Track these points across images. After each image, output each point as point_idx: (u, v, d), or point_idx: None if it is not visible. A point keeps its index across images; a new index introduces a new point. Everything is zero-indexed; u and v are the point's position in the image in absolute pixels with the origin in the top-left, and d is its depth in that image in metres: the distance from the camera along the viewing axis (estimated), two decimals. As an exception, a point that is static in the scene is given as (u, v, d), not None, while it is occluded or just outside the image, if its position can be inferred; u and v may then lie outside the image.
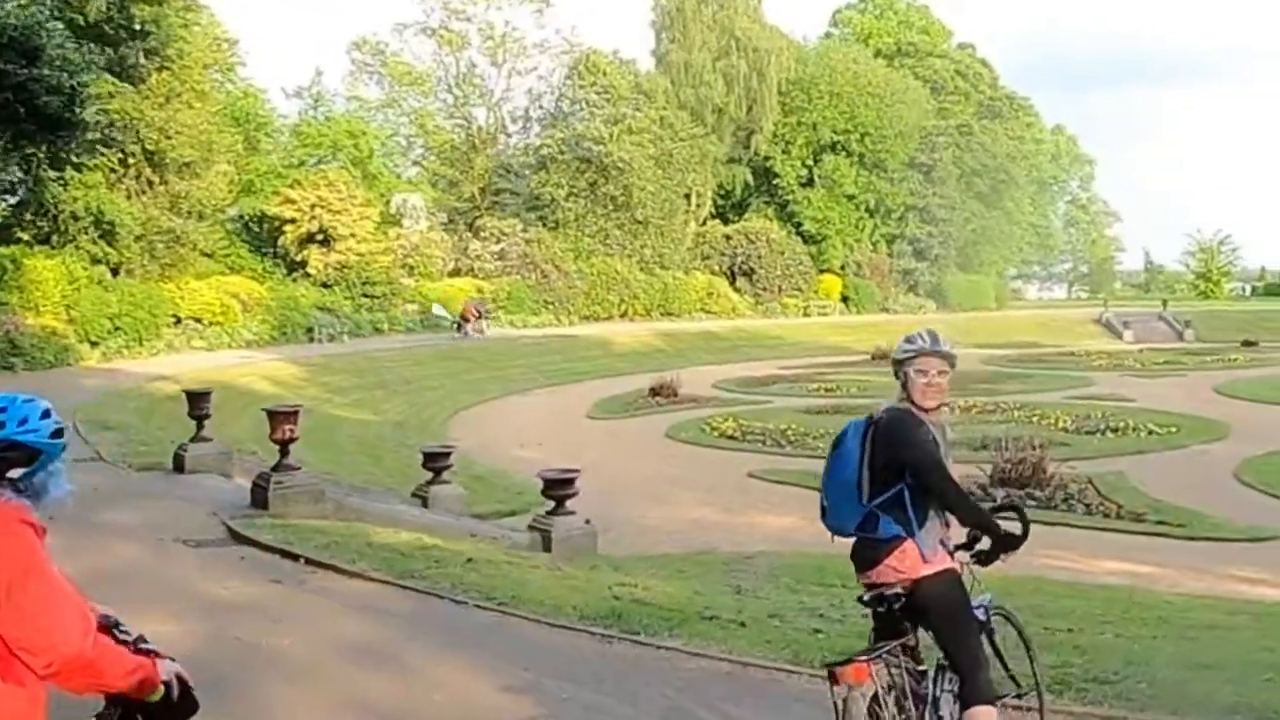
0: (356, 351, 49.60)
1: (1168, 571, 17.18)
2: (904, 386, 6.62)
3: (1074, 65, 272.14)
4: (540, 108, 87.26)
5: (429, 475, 20.65)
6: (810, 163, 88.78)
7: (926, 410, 6.54)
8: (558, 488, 16.95)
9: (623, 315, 72.69)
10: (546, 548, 16.41)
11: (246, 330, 49.81)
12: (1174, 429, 32.24)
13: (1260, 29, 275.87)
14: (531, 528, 17.24)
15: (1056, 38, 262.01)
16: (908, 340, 6.70)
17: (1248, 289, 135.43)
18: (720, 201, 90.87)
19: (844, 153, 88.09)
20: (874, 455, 6.47)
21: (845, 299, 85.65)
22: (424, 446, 22.17)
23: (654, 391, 41.96)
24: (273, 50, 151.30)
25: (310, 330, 53.31)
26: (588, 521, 17.13)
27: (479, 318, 65.83)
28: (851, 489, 6.52)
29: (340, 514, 16.94)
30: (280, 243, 59.73)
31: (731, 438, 32.06)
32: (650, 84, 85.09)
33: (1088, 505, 21.70)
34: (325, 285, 58.40)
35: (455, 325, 62.93)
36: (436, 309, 66.66)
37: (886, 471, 6.39)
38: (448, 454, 21.43)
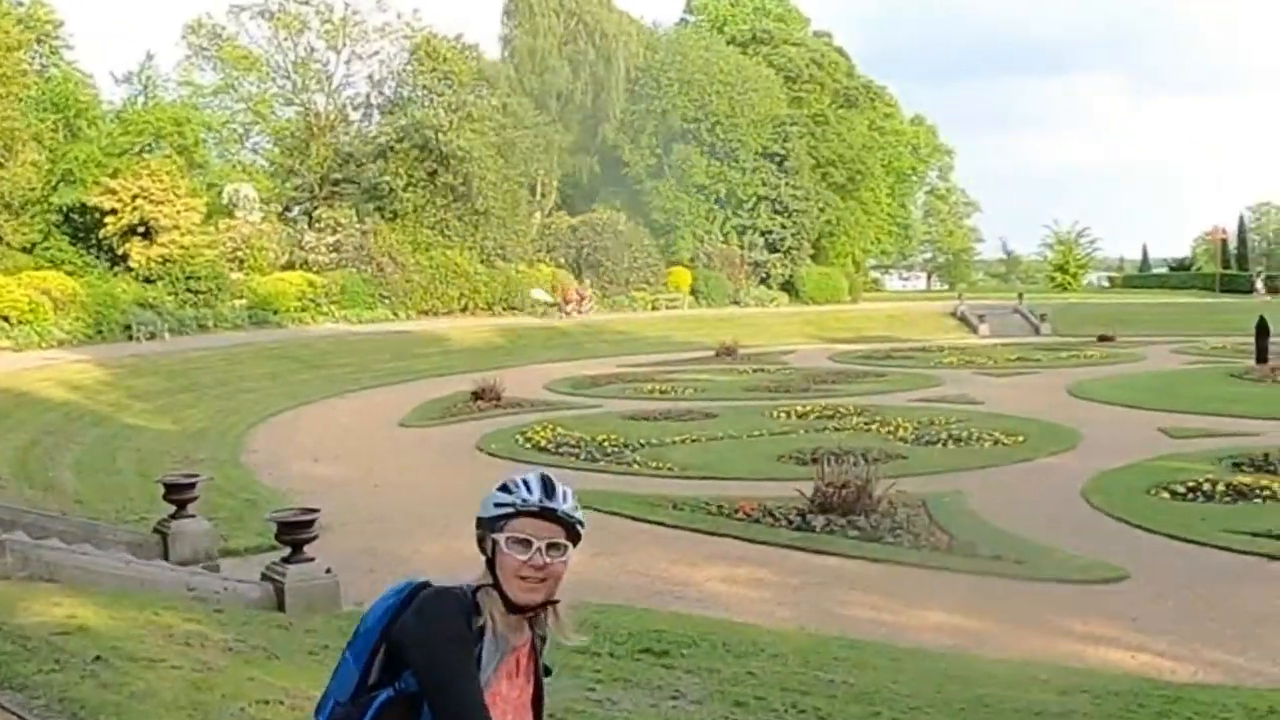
0: (175, 351, 46.61)
1: (1000, 626, 14.90)
2: (489, 564, 3.88)
3: (934, 55, 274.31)
4: (381, 94, 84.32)
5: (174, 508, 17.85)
6: (660, 152, 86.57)
7: (520, 608, 3.83)
8: (293, 531, 14.52)
9: (463, 310, 69.72)
10: (280, 603, 13.95)
11: (58, 329, 46.49)
12: (1021, 438, 30.12)
13: (1119, 18, 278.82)
14: (265, 577, 14.73)
15: (918, 27, 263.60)
16: (503, 489, 3.88)
17: (1106, 281, 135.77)
18: (567, 192, 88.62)
19: (695, 142, 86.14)
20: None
21: (695, 292, 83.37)
22: (166, 476, 19.33)
23: (476, 395, 39.16)
24: (106, 33, 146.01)
25: (129, 328, 50.12)
26: (329, 571, 14.64)
27: (580, 300, 73.45)
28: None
29: (25, 570, 14.17)
30: (101, 235, 56.42)
31: (544, 449, 29.47)
32: (494, 70, 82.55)
33: (917, 535, 19.24)
34: (148, 280, 55.13)
35: (556, 307, 69.17)
36: (536, 292, 72.13)
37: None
38: (191, 484, 18.65)
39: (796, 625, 14.82)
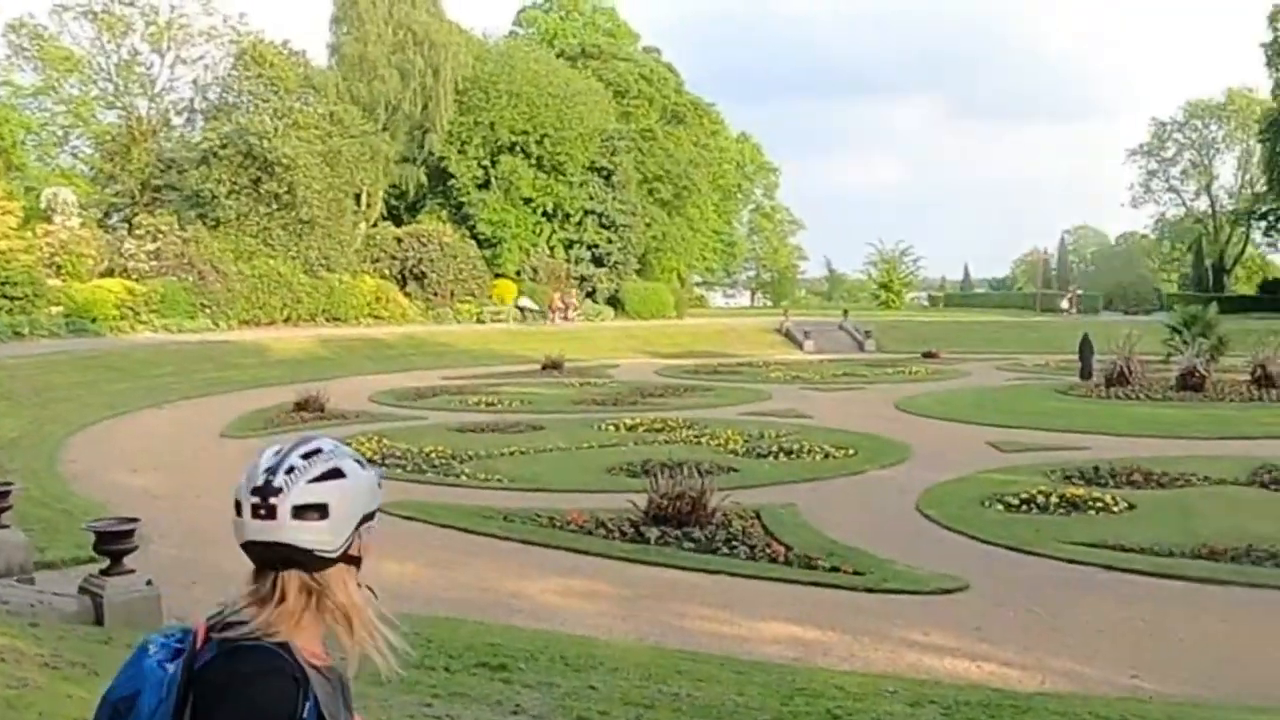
0: (-14, 358, 45.10)
1: (842, 638, 14.54)
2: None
3: (762, 75, 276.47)
4: (206, 100, 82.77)
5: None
6: (487, 164, 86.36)
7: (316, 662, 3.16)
8: (112, 541, 13.78)
9: (286, 320, 68.75)
10: (98, 616, 13.29)
11: None
12: (852, 451, 30.02)
13: (940, 44, 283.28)
14: (83, 590, 14.01)
15: (745, 47, 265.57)
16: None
17: (928, 300, 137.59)
18: (393, 202, 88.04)
19: (522, 154, 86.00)
20: None
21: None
22: (-22, 486, 18.52)
23: (299, 406, 38.29)
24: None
25: (-62, 337, 48.63)
26: (149, 583, 13.97)
27: (565, 309, 77.33)
28: None
29: None
30: (-87, 240, 54.74)
31: (370, 461, 28.56)
32: (321, 78, 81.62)
33: (752, 547, 18.87)
34: (-39, 287, 53.54)
35: (542, 314, 73.70)
36: (522, 301, 75.99)
37: None
38: (5, 493, 17.87)
39: (635, 638, 14.42)
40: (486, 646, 12.74)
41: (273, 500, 3.07)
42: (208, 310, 64.80)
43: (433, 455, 28.87)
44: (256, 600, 3.11)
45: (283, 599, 3.10)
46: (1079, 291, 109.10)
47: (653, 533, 19.46)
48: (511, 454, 29.73)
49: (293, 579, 3.10)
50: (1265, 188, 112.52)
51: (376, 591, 3.29)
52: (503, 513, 21.83)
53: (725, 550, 18.76)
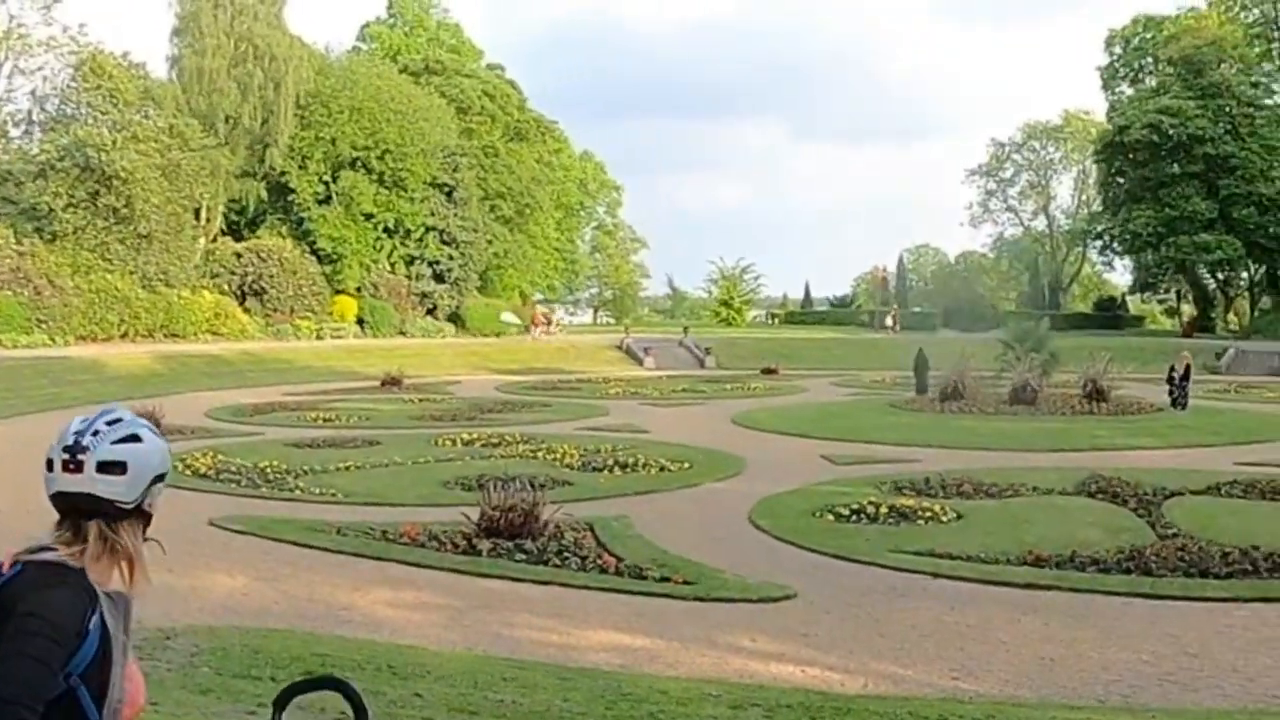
0: None
1: (669, 645, 14.61)
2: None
3: (606, 93, 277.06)
4: (44, 111, 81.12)
5: None
6: (328, 179, 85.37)
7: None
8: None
9: (123, 336, 67.42)
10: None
11: None
12: (687, 464, 30.29)
13: (779, 66, 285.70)
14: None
15: (589, 65, 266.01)
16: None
17: (770, 317, 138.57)
18: (233, 217, 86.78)
19: (364, 170, 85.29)
20: None
21: (361, 321, 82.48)
22: None
23: (134, 421, 37.86)
24: None
25: None
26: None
27: (547, 324, 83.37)
28: None
29: None
30: None
31: (205, 476, 28.39)
32: (161, 90, 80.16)
33: (584, 559, 18.90)
34: None
35: (525, 329, 78.20)
36: (506, 316, 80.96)
37: None
38: None
39: (464, 647, 14.38)
40: (314, 657, 12.65)
41: (80, 456, 3.59)
42: (44, 325, 63.47)
43: (268, 470, 28.46)
44: (61, 542, 3.60)
45: (84, 541, 3.60)
46: (897, 309, 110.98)
47: (485, 545, 19.36)
48: (348, 469, 29.49)
49: (93, 526, 3.61)
50: (1100, 208, 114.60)
51: (165, 547, 3.88)
52: (336, 526, 21.60)
53: (557, 562, 18.75)
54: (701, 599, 16.94)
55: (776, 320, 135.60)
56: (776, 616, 16.19)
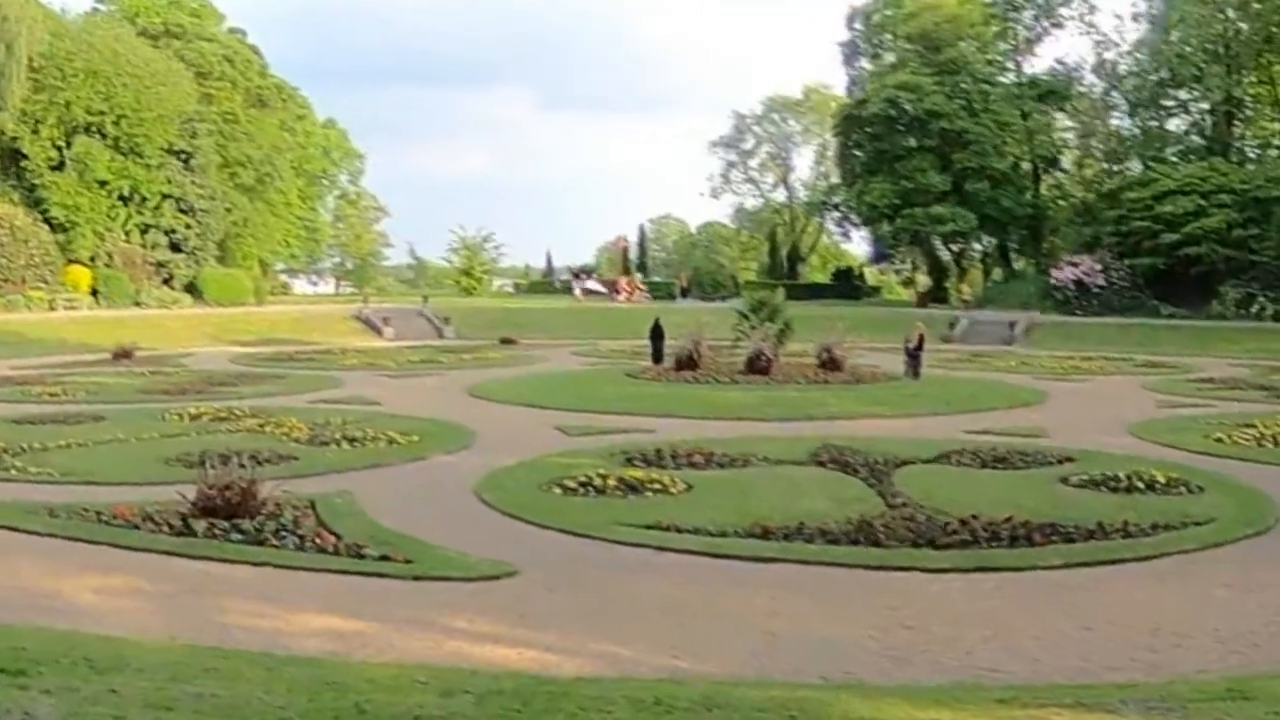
0: None
1: (383, 628, 14.11)
2: None
3: (350, 60, 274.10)
4: None
5: None
6: (62, 144, 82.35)
7: None
8: None
9: None
10: None
11: None
12: (416, 437, 29.70)
13: (527, 35, 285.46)
14: None
15: (334, 31, 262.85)
16: None
17: (513, 287, 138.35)
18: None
19: (99, 135, 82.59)
20: None
21: (95, 292, 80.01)
22: None
23: None
24: None
25: None
26: None
27: (631, 291, 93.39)
28: None
29: None
30: None
31: (-86, 457, 27.11)
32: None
33: (302, 538, 18.24)
34: None
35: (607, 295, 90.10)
36: (590, 284, 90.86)
37: None
38: None
39: (169, 636, 13.72)
40: (8, 651, 11.92)
41: None
42: None
43: (-21, 450, 27.30)
44: None
45: None
46: (590, 277, 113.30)
47: (200, 526, 18.66)
48: (68, 446, 28.27)
49: None
50: (838, 180, 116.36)
51: None
52: (49, 508, 20.57)
53: (274, 542, 18.08)
54: (420, 578, 16.48)
55: (519, 289, 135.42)
56: (496, 595, 15.81)
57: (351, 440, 28.91)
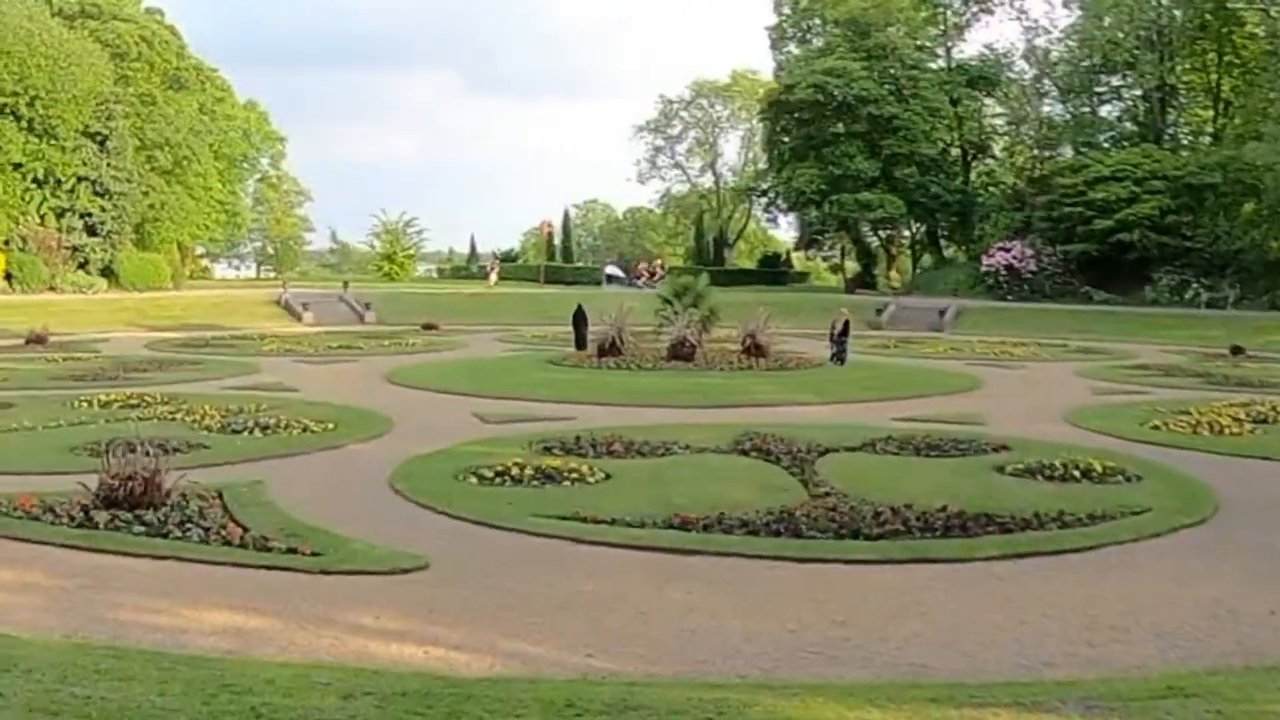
0: None
1: (286, 625, 13.54)
2: None
3: (272, 41, 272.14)
4: None
5: None
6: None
7: None
8: None
9: None
10: None
11: None
12: (332, 425, 28.98)
13: (462, 19, 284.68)
14: None
15: (256, 11, 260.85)
16: None
17: (438, 271, 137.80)
18: None
19: (12, 117, 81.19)
20: None
21: (9, 276, 78.74)
22: None
23: None
24: None
25: None
26: None
27: (652, 275, 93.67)
28: None
29: None
30: None
31: None
32: None
33: (207, 530, 17.55)
34: None
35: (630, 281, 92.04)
36: (610, 269, 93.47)
37: None
38: None
39: (62, 634, 13.10)
40: (-105, 657, 11.33)
41: None
42: None
43: (-116, 441, 26.48)
44: None
45: None
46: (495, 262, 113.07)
47: (103, 517, 17.96)
48: (-28, 435, 27.56)
49: None
50: (765, 165, 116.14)
51: None
52: (-52, 500, 19.93)
53: (178, 534, 17.40)
54: (327, 572, 15.88)
55: (442, 274, 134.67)
56: (405, 589, 15.29)
57: (265, 428, 28.16)
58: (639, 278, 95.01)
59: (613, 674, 11.93)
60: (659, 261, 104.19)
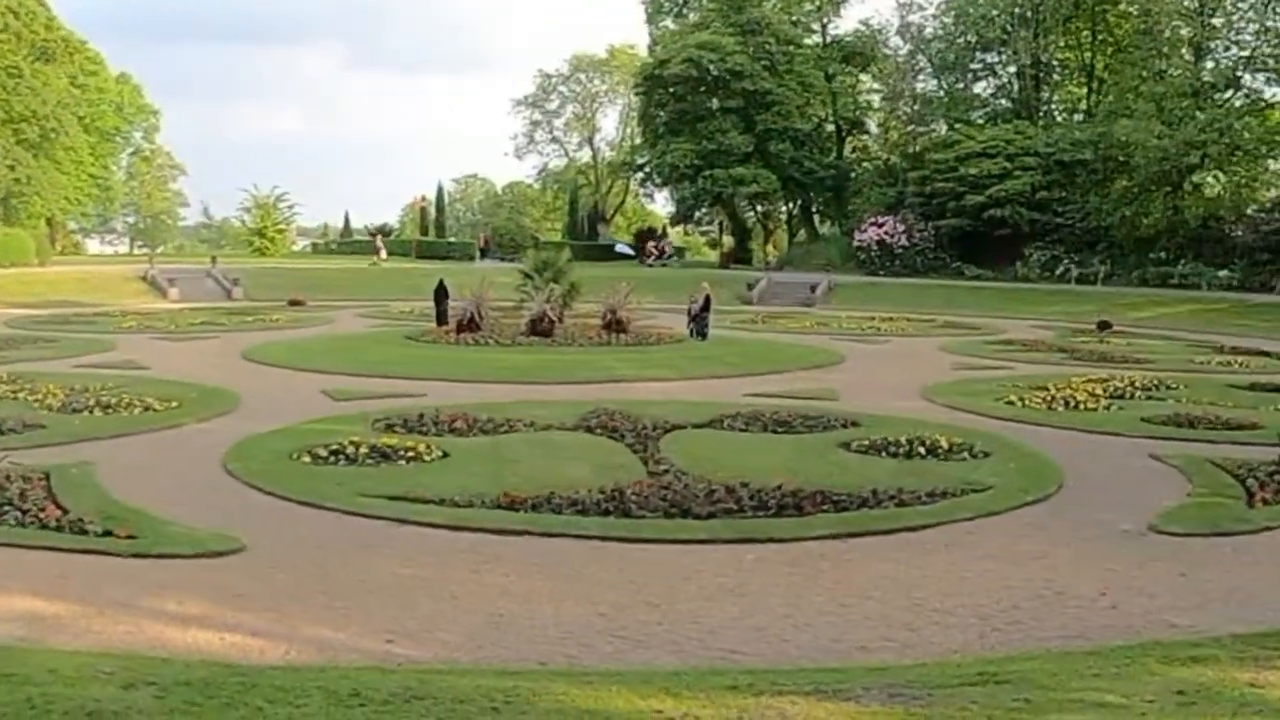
0: None
1: (85, 611, 13.11)
2: None
3: (150, 14, 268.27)
4: None
5: None
6: None
7: None
8: None
9: None
10: None
11: None
12: (175, 404, 28.27)
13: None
14: None
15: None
16: None
17: (313, 247, 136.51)
18: None
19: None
20: None
21: None
22: None
23: None
24: None
25: None
26: None
27: (661, 253, 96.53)
28: None
29: None
30: None
31: None
32: None
33: (25, 512, 16.99)
34: None
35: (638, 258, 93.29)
36: (620, 246, 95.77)
37: None
38: None
39: None
40: None
41: None
42: None
43: None
44: None
45: None
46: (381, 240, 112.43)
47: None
48: None
49: None
50: (641, 140, 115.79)
51: None
52: None
53: (-5, 517, 16.96)
54: (140, 555, 15.47)
55: (317, 249, 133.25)
56: (217, 574, 14.91)
57: (106, 407, 27.47)
58: (649, 256, 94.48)
59: (409, 660, 11.71)
60: (667, 240, 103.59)
